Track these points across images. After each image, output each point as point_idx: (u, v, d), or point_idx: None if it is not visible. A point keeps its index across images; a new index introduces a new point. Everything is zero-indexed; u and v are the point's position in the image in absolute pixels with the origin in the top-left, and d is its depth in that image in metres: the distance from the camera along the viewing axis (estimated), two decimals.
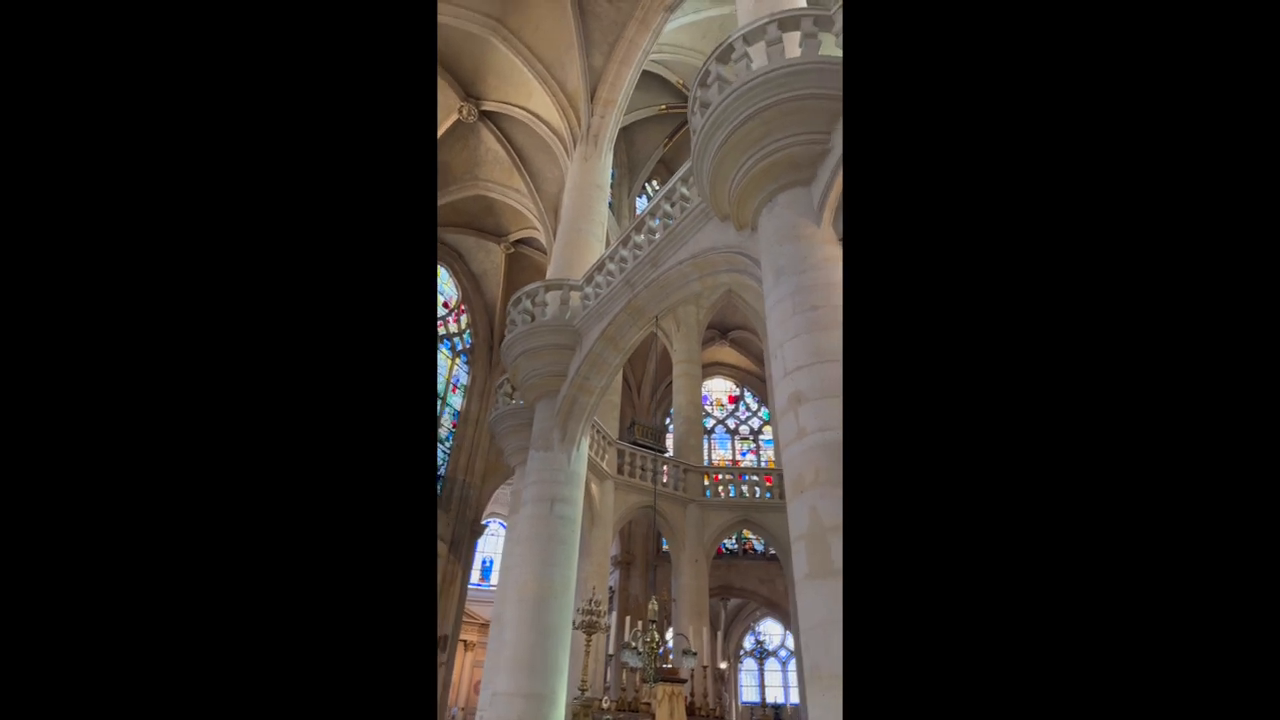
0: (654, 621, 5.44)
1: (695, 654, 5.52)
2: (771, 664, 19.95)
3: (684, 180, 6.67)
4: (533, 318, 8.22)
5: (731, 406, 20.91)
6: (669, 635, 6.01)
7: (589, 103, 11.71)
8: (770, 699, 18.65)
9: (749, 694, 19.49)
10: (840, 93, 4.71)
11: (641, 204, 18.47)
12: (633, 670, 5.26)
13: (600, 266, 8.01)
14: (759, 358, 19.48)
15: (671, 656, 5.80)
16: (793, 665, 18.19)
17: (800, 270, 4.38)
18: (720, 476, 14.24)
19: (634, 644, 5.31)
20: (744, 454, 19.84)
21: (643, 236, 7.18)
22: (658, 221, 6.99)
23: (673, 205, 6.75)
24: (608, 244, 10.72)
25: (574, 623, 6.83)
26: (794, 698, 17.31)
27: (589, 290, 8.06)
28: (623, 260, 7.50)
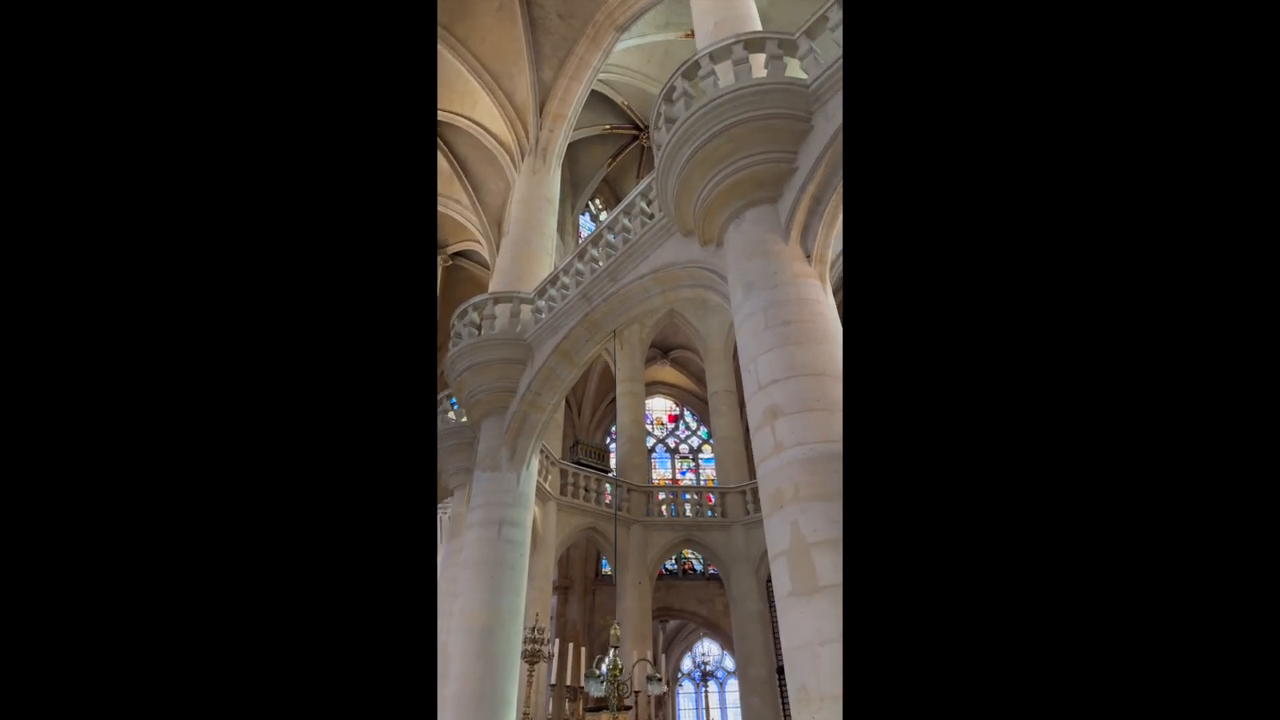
0: (616, 647, 5.21)
1: (660, 678, 5.32)
2: (710, 685, 19.83)
3: (644, 195, 6.64)
4: (480, 331, 7.88)
5: (671, 425, 20.99)
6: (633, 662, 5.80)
7: (538, 116, 11.57)
8: None
9: (687, 716, 19.26)
10: (807, 114, 4.83)
11: (585, 222, 18.41)
12: (598, 699, 5.00)
13: (554, 280, 7.81)
14: (699, 377, 19.72)
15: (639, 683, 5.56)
16: (730, 686, 18.13)
17: (772, 285, 4.40)
18: (663, 496, 14.15)
19: (597, 672, 5.05)
20: (684, 473, 19.90)
21: (600, 250, 7.07)
22: (615, 236, 6.91)
23: (632, 219, 6.70)
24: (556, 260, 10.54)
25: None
26: (732, 719, 17.22)
27: (541, 304, 7.83)
28: (578, 274, 7.35)
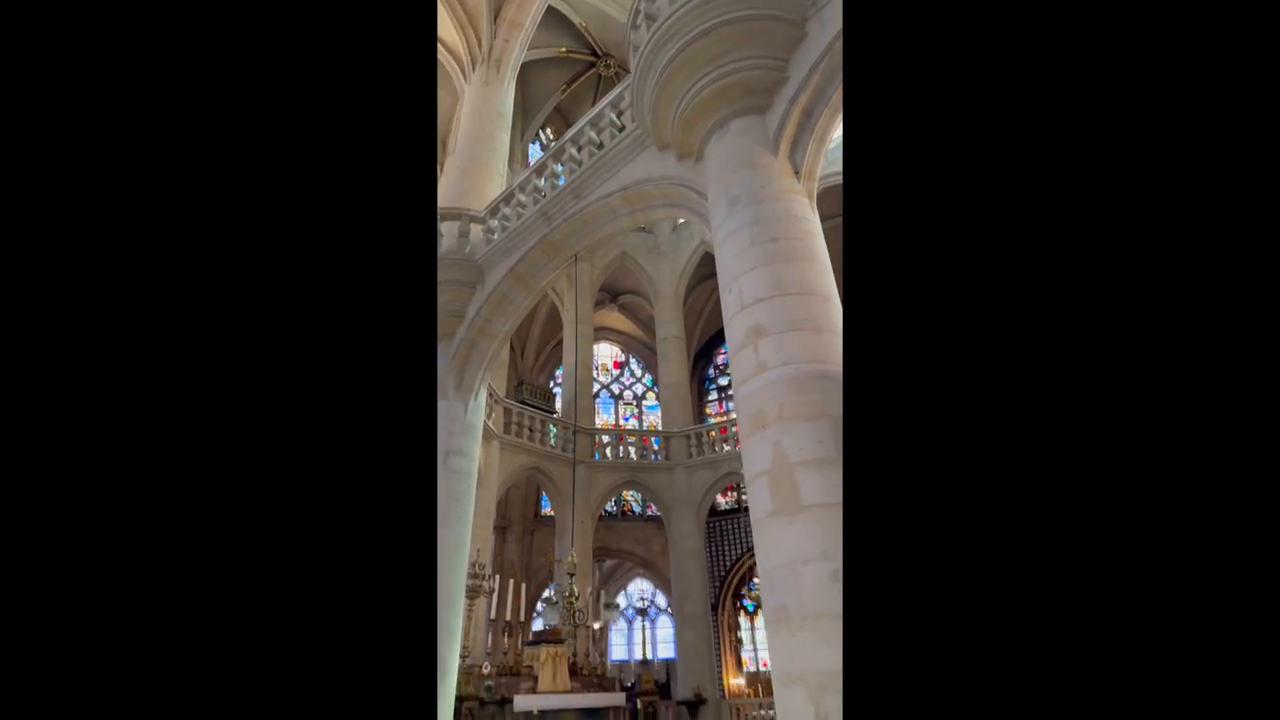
0: (572, 575, 5.04)
1: (617, 605, 5.22)
2: (640, 622, 20.52)
3: (614, 106, 6.11)
4: None
5: (617, 372, 20.81)
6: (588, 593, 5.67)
7: (492, 23, 10.53)
8: (638, 656, 19.19)
9: (618, 652, 19.94)
10: (802, 18, 4.46)
11: (535, 151, 17.36)
12: (551, 625, 4.84)
13: (509, 198, 7.21)
14: (647, 324, 19.50)
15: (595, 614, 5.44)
16: (662, 622, 18.80)
17: (758, 200, 4.11)
18: (608, 439, 14.06)
19: (552, 598, 4.88)
20: (627, 419, 19.89)
21: (563, 166, 6.52)
22: (580, 151, 6.38)
23: (600, 132, 6.17)
24: (509, 181, 9.79)
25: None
26: (663, 653, 17.94)
27: (494, 223, 7.24)
28: (537, 191, 6.79)
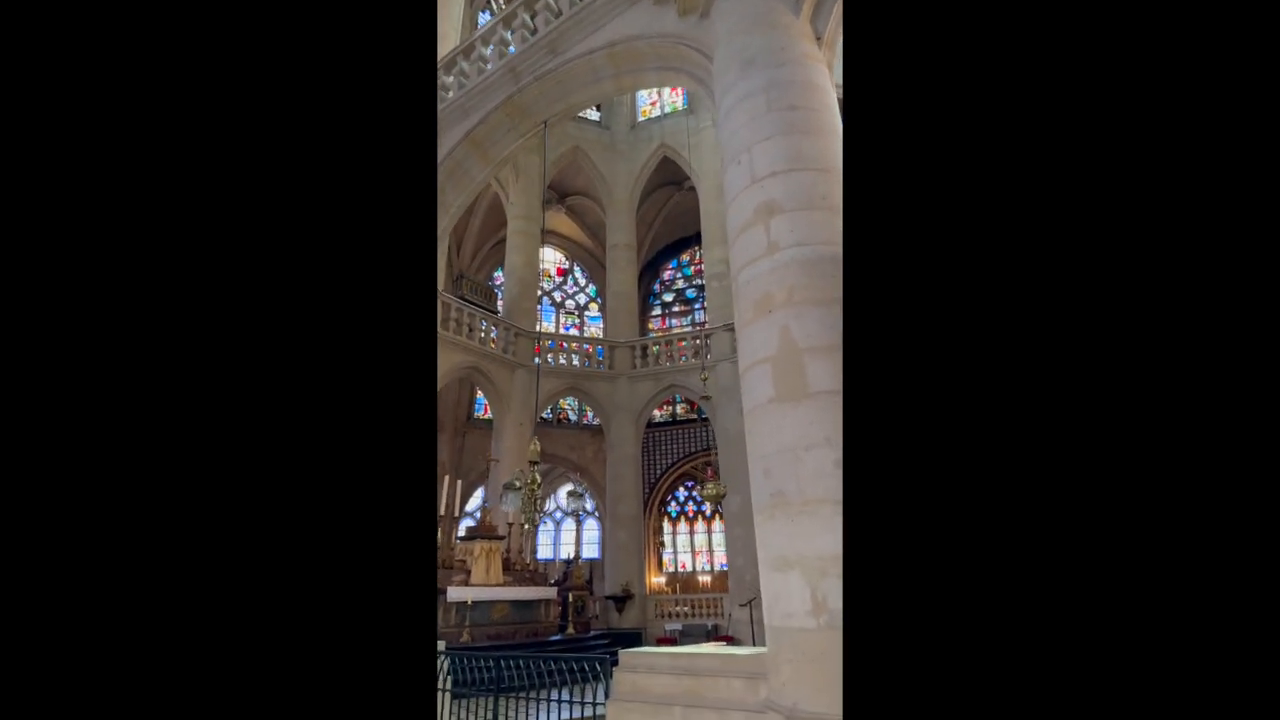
0: (535, 463, 4.81)
1: (582, 493, 5.09)
2: (569, 523, 21.14)
3: None
4: None
5: (560, 279, 20.06)
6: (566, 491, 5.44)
7: None
8: (563, 555, 19.88)
9: (544, 551, 20.59)
10: None
11: (485, 19, 15.44)
12: (508, 512, 4.65)
13: (468, 51, 6.26)
14: (595, 230, 18.70)
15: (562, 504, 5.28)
16: (589, 524, 19.42)
17: (778, 63, 3.64)
18: (551, 344, 13.66)
19: (516, 483, 4.65)
20: (568, 328, 19.43)
21: (538, 17, 5.65)
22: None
23: None
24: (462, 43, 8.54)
25: None
26: (589, 554, 18.66)
27: (449, 80, 6.30)
28: (503, 44, 5.90)
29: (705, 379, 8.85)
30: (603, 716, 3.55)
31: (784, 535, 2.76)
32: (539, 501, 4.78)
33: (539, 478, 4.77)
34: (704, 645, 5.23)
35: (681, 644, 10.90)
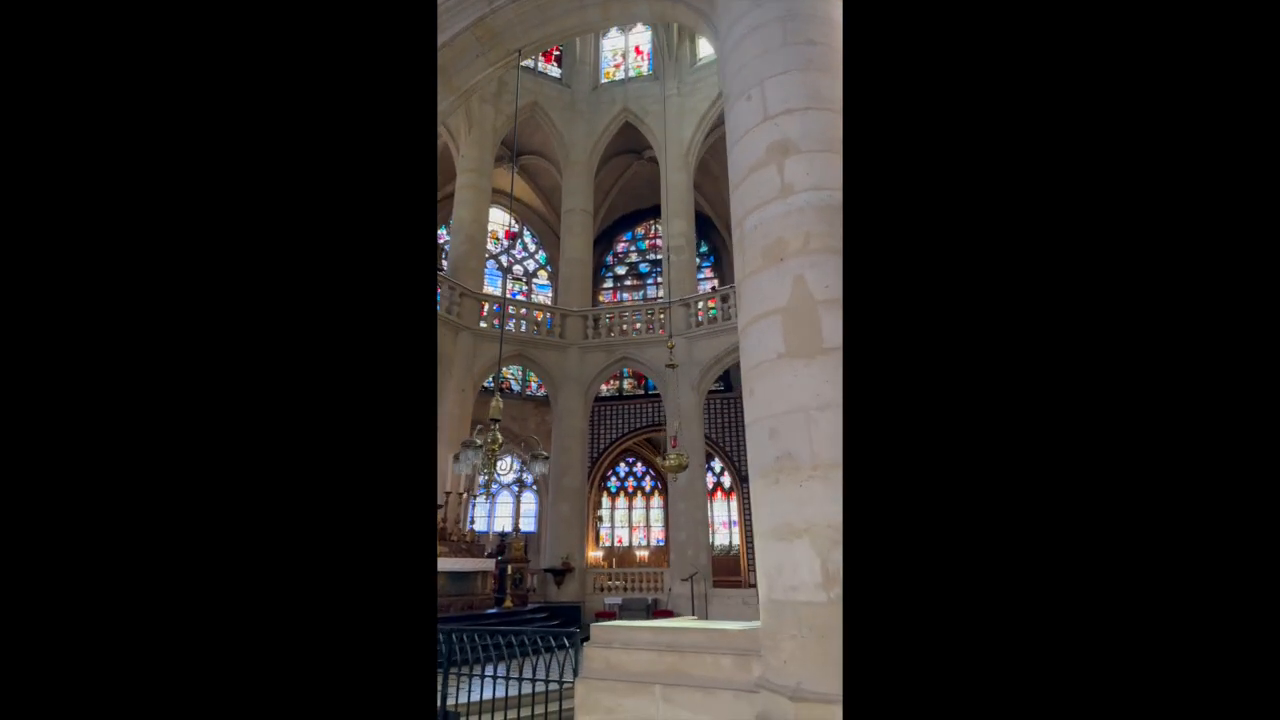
0: (497, 420, 4.38)
1: (547, 457, 4.72)
2: (504, 496, 20.60)
3: None
4: None
5: (508, 243, 19.19)
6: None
7: None
8: (499, 528, 19.41)
9: (479, 524, 19.99)
10: None
11: None
12: (471, 467, 4.24)
13: None
14: (549, 194, 17.98)
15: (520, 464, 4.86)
16: (526, 497, 18.98)
17: None
18: (497, 309, 13.00)
19: (477, 440, 4.21)
20: (514, 294, 18.67)
21: None
22: None
23: None
24: None
25: None
26: (526, 527, 18.25)
27: None
28: None
29: (672, 346, 8.59)
30: (570, 691, 3.25)
31: (791, 501, 2.52)
32: (494, 463, 4.39)
33: (500, 436, 4.36)
34: (685, 618, 5.02)
35: (621, 618, 10.81)
